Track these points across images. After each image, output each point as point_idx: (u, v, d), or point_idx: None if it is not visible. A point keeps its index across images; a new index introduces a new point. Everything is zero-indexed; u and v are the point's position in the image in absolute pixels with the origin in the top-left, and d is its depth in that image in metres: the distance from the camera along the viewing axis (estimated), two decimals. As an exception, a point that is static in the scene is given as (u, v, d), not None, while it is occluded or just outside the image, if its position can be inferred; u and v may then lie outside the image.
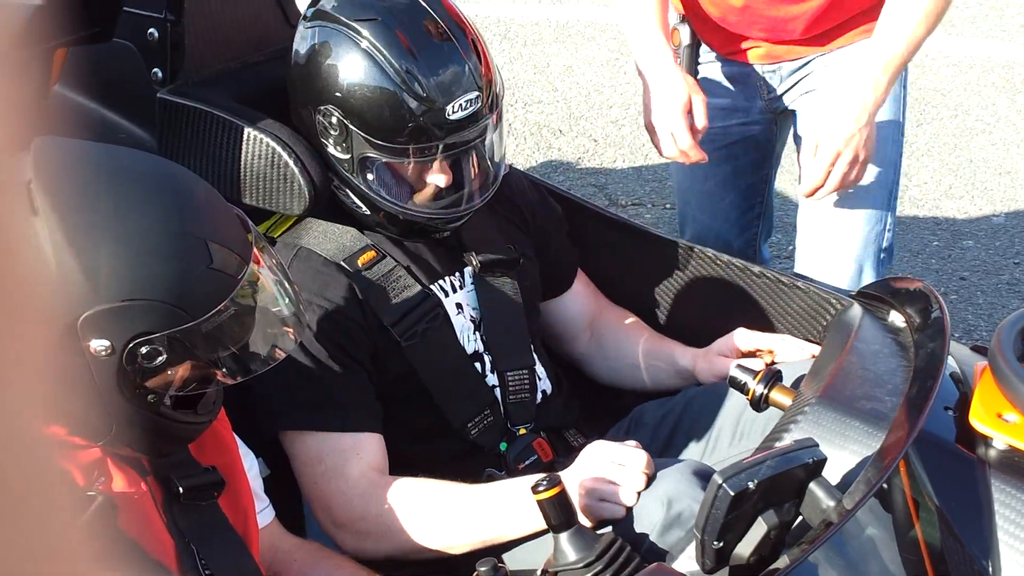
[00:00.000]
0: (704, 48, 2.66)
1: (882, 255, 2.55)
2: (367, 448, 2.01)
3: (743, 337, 2.18)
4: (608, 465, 1.86)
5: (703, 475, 1.85)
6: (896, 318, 1.94)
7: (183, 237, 1.56)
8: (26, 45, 1.98)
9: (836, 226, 2.53)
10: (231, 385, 1.66)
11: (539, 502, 1.73)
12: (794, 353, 2.13)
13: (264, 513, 1.92)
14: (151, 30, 2.19)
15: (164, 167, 1.72)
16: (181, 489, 1.68)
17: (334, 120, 2.01)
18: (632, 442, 1.92)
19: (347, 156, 2.03)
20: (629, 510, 1.84)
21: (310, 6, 2.09)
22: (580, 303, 2.43)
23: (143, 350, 1.53)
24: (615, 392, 2.43)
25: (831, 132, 2.31)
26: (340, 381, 2.02)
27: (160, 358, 1.54)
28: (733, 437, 2.13)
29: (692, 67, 2.66)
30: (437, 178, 2.04)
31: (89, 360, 1.52)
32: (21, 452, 0.54)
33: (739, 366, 1.98)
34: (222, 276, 1.56)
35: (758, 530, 1.51)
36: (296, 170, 2.05)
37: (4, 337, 0.51)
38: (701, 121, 2.36)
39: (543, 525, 1.82)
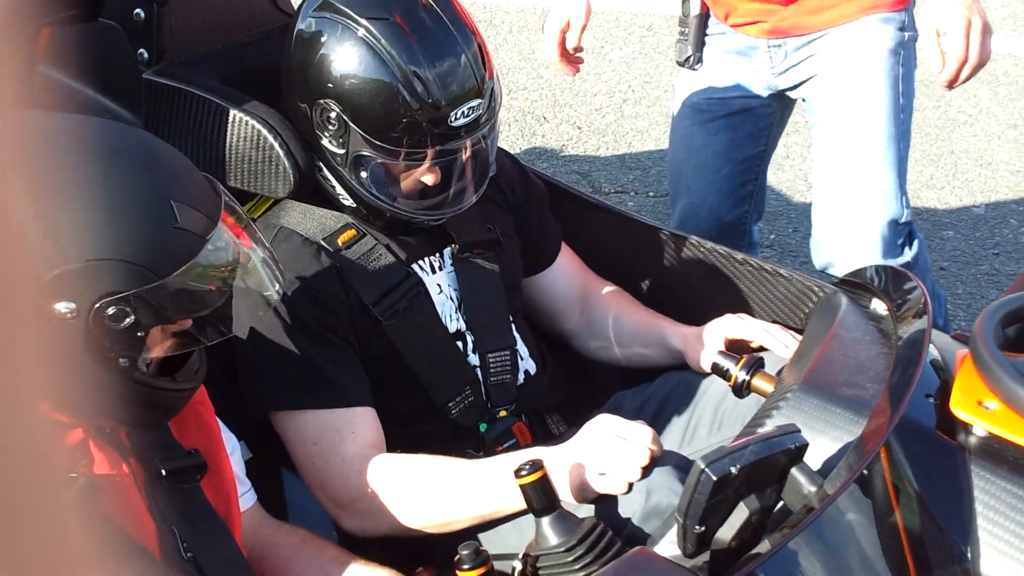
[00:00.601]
0: (714, 20, 2.72)
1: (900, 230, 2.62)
2: (361, 424, 2.01)
3: (731, 323, 2.18)
4: (613, 439, 1.85)
5: (682, 467, 1.85)
6: (878, 305, 1.96)
7: (148, 197, 1.55)
8: (11, 24, 1.97)
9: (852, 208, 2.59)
10: (207, 346, 1.65)
11: (521, 486, 1.73)
12: (780, 345, 2.13)
13: (246, 497, 1.92)
14: (137, 10, 2.17)
15: (130, 132, 1.72)
16: (164, 472, 1.68)
17: (332, 115, 1.99)
18: (640, 422, 1.91)
19: (342, 151, 2.02)
20: (609, 498, 1.85)
21: None
22: (566, 278, 2.42)
23: (110, 311, 1.51)
24: (595, 377, 2.44)
25: (951, 6, 2.33)
26: (328, 357, 2.02)
27: (128, 319, 1.52)
28: (712, 426, 2.14)
29: (699, 37, 2.72)
30: (428, 176, 2.03)
31: (56, 324, 1.50)
32: (19, 431, 0.54)
33: (721, 352, 1.99)
34: (189, 235, 1.55)
35: (740, 515, 1.52)
36: (281, 153, 2.04)
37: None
38: (572, 42, 2.61)
39: None
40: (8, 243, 0.53)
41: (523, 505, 1.87)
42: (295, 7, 2.45)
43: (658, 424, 2.20)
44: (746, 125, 2.79)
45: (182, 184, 1.60)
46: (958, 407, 1.66)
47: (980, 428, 1.64)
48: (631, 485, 1.83)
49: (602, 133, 4.91)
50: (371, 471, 1.97)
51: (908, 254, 2.66)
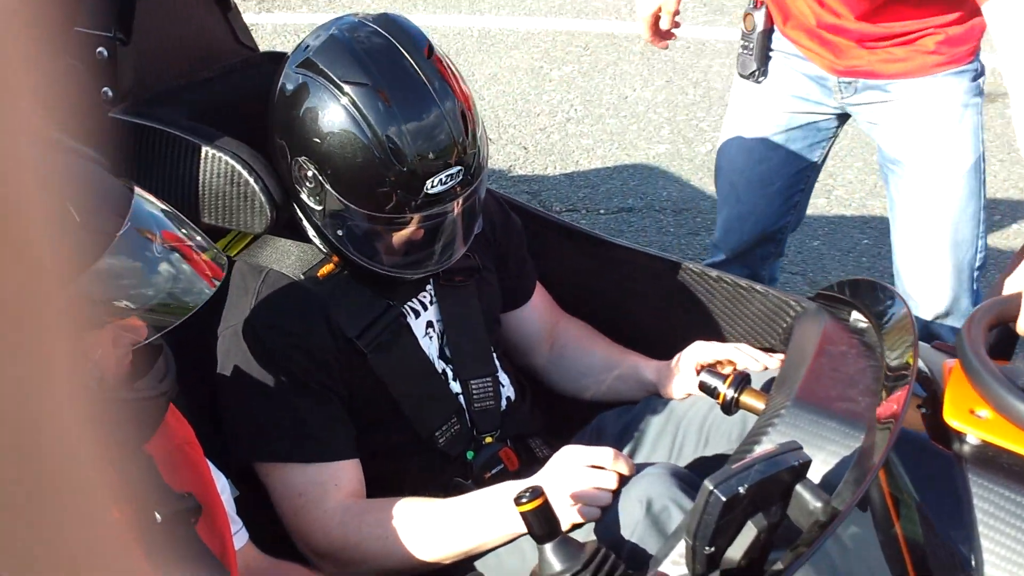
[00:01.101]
0: (780, 36, 2.73)
1: (975, 274, 2.69)
2: (344, 476, 2.01)
3: (702, 350, 2.20)
4: (580, 468, 1.87)
5: (678, 475, 1.87)
6: (857, 318, 1.98)
7: None
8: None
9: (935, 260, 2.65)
10: (154, 346, 1.59)
11: (522, 514, 1.73)
12: (751, 363, 2.15)
13: (239, 535, 1.89)
14: (100, 48, 2.14)
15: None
16: (160, 518, 1.65)
17: (310, 174, 1.97)
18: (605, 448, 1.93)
19: (320, 208, 2.00)
20: (608, 513, 1.86)
21: (298, 50, 2.04)
22: (539, 316, 2.44)
23: None
24: (576, 401, 2.44)
25: None
26: (314, 410, 2.01)
27: None
28: (698, 443, 2.15)
29: (764, 51, 2.74)
30: (405, 239, 2.01)
31: None
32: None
33: (708, 371, 2.00)
34: (94, 234, 1.49)
35: (748, 534, 1.53)
36: (257, 188, 2.02)
37: None
38: (665, 25, 2.71)
39: (521, 530, 1.83)
40: None
41: (501, 539, 1.90)
42: (254, 40, 2.44)
43: (644, 442, 2.21)
44: (807, 139, 2.81)
45: (81, 187, 1.55)
46: (951, 417, 1.68)
47: (973, 436, 1.67)
48: (608, 512, 1.85)
49: (548, 152, 4.92)
50: (352, 521, 1.96)
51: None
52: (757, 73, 2.79)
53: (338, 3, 6.39)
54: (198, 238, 1.65)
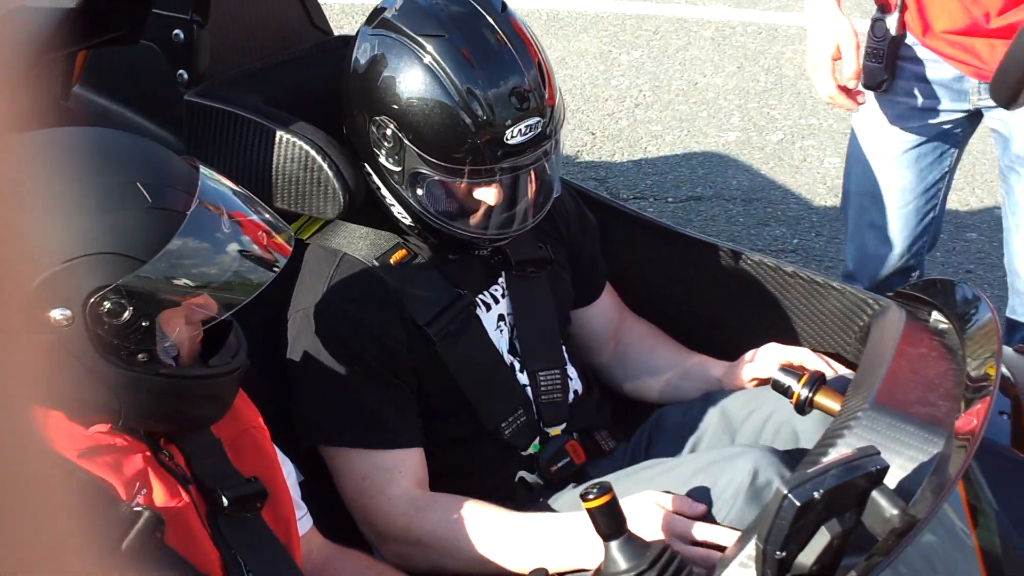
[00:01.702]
0: (912, 42, 2.60)
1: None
2: (409, 464, 2.01)
3: (772, 353, 2.16)
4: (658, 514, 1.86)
5: (779, 457, 1.89)
6: (938, 319, 1.94)
7: (112, 184, 1.51)
8: (54, 48, 1.95)
9: None
10: (219, 322, 1.59)
11: (589, 510, 1.71)
12: (823, 367, 2.11)
13: (303, 521, 1.90)
14: (176, 31, 2.15)
15: (88, 131, 1.67)
16: (226, 501, 1.65)
17: (388, 132, 1.97)
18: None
19: (398, 169, 2.00)
20: (714, 478, 1.87)
21: (373, 14, 2.05)
22: (605, 315, 2.41)
23: (104, 307, 1.48)
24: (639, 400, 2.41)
25: None
26: (383, 397, 2.01)
27: (127, 312, 1.49)
28: (759, 441, 2.12)
29: (892, 60, 2.62)
30: (487, 195, 2.00)
31: (57, 333, 1.46)
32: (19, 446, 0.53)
33: (783, 369, 1.97)
34: (165, 213, 1.51)
35: (821, 539, 1.50)
36: (331, 173, 2.02)
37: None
38: (850, 67, 2.48)
39: (584, 564, 1.82)
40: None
41: (566, 567, 1.88)
42: (330, 24, 2.43)
43: (703, 440, 2.18)
44: (937, 149, 2.70)
45: (150, 165, 1.56)
46: (1034, 424, 1.64)
47: (1056, 445, 1.63)
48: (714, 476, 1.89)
49: (616, 138, 4.89)
50: (416, 514, 1.97)
51: None
52: (885, 84, 2.66)
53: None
54: (267, 216, 1.65)
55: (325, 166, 2.02)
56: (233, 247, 1.59)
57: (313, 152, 2.02)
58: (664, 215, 4.27)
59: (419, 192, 2.00)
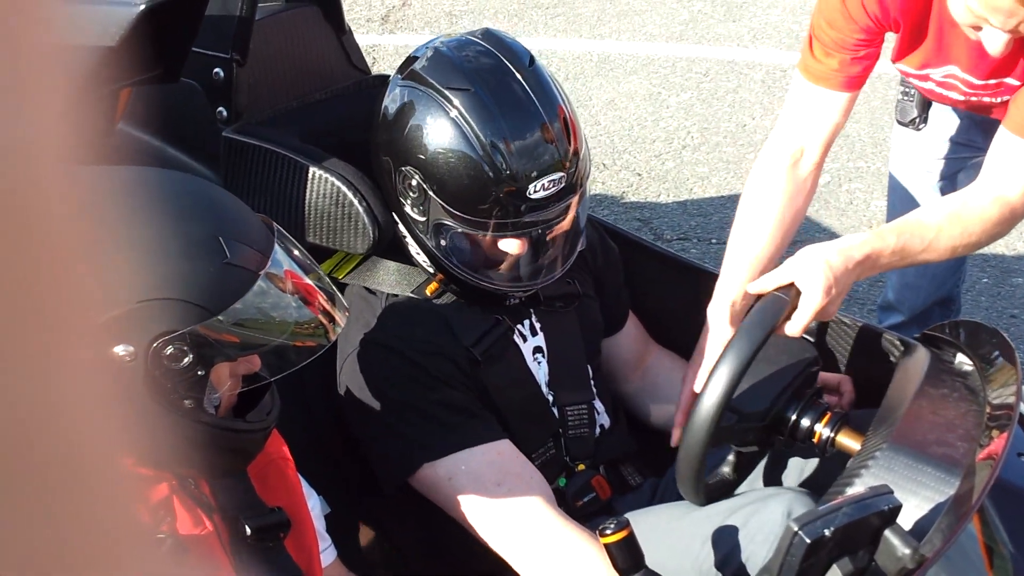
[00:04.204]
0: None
1: None
2: (509, 457, 2.01)
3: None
4: None
5: (813, 498, 1.88)
6: (963, 360, 1.93)
7: (196, 235, 1.55)
8: (96, 86, 2.00)
9: None
10: (273, 381, 1.64)
11: (606, 545, 1.72)
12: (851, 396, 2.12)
13: (327, 552, 1.92)
14: (217, 69, 2.21)
15: (179, 177, 1.72)
16: (249, 530, 1.68)
17: (414, 183, 2.00)
18: None
19: (423, 219, 2.03)
20: (749, 520, 1.87)
21: (404, 64, 2.08)
22: (629, 344, 2.43)
23: (167, 351, 1.51)
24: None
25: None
26: (455, 402, 2.02)
27: (187, 359, 1.52)
28: (797, 477, 2.12)
29: (924, 99, 2.60)
30: (511, 247, 2.02)
31: (116, 369, 1.50)
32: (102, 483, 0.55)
33: (808, 407, 1.96)
34: (240, 271, 1.55)
35: (833, 577, 1.50)
36: (360, 209, 2.06)
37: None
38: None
39: None
40: (65, 289, 0.54)
41: None
42: (369, 64, 2.48)
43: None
44: (970, 178, 2.70)
45: (232, 221, 1.61)
46: (1052, 466, 1.63)
47: (1075, 488, 1.61)
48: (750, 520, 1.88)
49: (662, 179, 4.90)
50: (533, 505, 1.96)
51: None
52: (918, 120, 2.66)
53: (460, 25, 6.46)
54: (327, 286, 1.70)
55: (356, 201, 2.06)
56: (295, 312, 1.63)
57: (344, 187, 2.06)
58: (707, 256, 4.27)
59: (443, 243, 2.03)
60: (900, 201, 2.78)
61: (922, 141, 2.70)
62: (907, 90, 2.63)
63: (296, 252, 1.67)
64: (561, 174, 1.98)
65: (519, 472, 2.00)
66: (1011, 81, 2.20)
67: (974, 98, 2.32)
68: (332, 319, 1.68)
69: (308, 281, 1.66)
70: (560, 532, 1.94)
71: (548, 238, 2.04)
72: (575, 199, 2.02)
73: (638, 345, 2.43)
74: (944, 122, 2.64)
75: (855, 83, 2.21)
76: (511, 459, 2.01)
